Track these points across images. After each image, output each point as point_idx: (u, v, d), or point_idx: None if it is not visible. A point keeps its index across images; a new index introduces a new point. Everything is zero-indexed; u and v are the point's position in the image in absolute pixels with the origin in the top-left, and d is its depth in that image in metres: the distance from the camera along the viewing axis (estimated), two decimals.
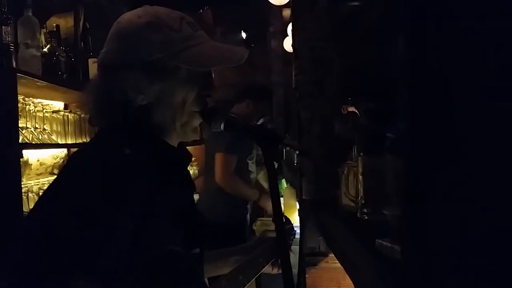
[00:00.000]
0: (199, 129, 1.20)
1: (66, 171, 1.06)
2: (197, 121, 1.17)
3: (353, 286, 1.81)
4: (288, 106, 4.00)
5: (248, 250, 1.48)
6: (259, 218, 3.21)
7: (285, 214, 1.68)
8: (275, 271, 1.47)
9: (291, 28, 4.50)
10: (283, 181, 4.40)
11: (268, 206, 3.03)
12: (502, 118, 0.58)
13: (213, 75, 1.26)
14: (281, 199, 3.72)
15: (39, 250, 0.86)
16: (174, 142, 1.18)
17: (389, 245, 1.05)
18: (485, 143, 0.59)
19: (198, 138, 1.21)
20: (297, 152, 1.21)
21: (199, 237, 1.23)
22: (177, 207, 1.12)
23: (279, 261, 1.09)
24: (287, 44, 4.83)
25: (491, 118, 0.58)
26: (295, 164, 3.52)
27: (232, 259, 1.46)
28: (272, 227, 2.54)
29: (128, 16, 1.13)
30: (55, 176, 1.08)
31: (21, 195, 1.90)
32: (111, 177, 0.97)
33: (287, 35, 4.67)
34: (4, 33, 1.98)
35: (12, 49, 2.01)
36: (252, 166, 3.18)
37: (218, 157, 2.86)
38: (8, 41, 1.98)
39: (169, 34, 1.09)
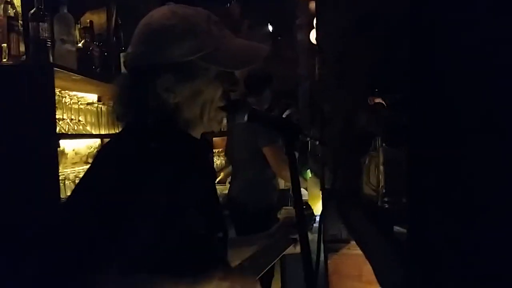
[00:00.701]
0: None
1: (98, 162, 1.12)
2: (222, 115, 1.22)
3: (372, 273, 1.87)
4: (313, 98, 4.02)
5: (271, 235, 1.55)
6: (284, 207, 3.27)
7: (307, 202, 1.74)
8: (299, 249, 1.53)
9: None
10: (308, 171, 4.44)
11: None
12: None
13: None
14: (306, 188, 3.77)
15: (76, 235, 0.92)
16: (198, 133, 1.23)
17: (406, 231, 1.10)
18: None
19: (220, 129, 1.27)
20: (317, 143, 1.25)
21: (222, 222, 1.29)
22: (201, 194, 1.16)
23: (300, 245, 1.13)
24: (313, 36, 4.85)
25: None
26: (318, 155, 3.57)
27: (255, 244, 1.52)
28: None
29: (156, 17, 1.15)
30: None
31: (59, 183, 2.00)
32: (140, 168, 1.02)
33: (313, 28, 4.69)
34: (41, 29, 2.08)
35: (49, 44, 2.11)
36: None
37: (268, 151, 2.90)
38: (45, 37, 2.09)
39: (199, 36, 1.12)
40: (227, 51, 1.15)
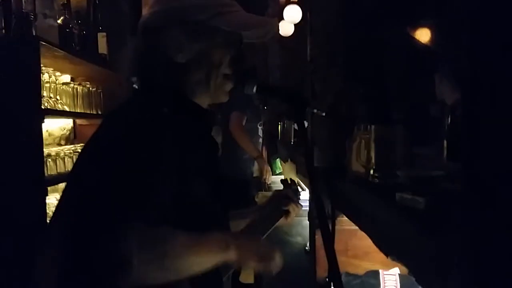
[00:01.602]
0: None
1: (105, 129, 1.11)
2: (229, 85, 1.24)
3: (358, 248, 1.95)
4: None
5: (263, 207, 1.60)
6: (260, 192, 3.33)
7: (291, 179, 1.79)
8: (289, 220, 1.58)
9: (286, 11, 4.60)
10: (278, 161, 4.52)
11: (262, 166, 3.38)
12: None
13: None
14: (282, 176, 3.84)
15: (85, 207, 0.92)
16: (205, 103, 1.25)
17: (411, 197, 1.17)
18: None
19: (227, 101, 1.29)
20: (323, 114, 1.30)
21: (223, 193, 1.33)
22: (206, 164, 1.20)
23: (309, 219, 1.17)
24: (282, 27, 4.91)
25: None
26: (292, 143, 3.64)
27: (248, 218, 1.56)
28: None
29: None
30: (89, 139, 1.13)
31: (43, 158, 1.96)
32: (148, 135, 1.03)
33: (283, 19, 4.75)
34: (25, 2, 2.02)
35: (32, 18, 2.05)
36: (260, 132, 3.50)
37: (234, 114, 3.23)
38: (29, 10, 2.03)
39: None
40: (235, 15, 1.19)
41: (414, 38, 2.64)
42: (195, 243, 0.98)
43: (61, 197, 1.08)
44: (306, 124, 1.21)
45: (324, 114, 1.30)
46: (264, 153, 4.79)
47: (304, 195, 2.86)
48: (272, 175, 4.34)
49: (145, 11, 1.23)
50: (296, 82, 3.84)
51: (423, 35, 2.78)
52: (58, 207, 1.09)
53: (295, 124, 1.17)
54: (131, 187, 0.95)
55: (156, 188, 0.99)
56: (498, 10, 0.68)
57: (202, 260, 0.98)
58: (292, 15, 4.53)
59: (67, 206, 1.03)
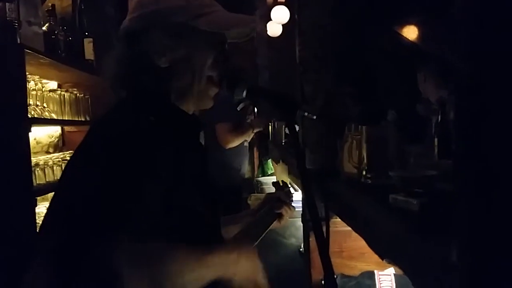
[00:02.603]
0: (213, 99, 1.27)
1: (92, 139, 1.09)
2: (214, 90, 1.23)
3: (353, 249, 1.94)
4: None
5: (256, 211, 1.60)
6: (252, 194, 3.31)
7: (283, 181, 1.79)
8: (283, 223, 1.59)
9: (273, 12, 4.59)
10: (269, 161, 4.50)
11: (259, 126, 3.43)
12: None
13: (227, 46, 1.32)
14: (274, 178, 3.83)
15: (72, 220, 0.90)
16: (189, 108, 1.23)
17: (404, 199, 1.17)
18: None
19: (211, 107, 1.28)
20: (314, 117, 1.29)
21: (214, 199, 1.31)
22: (194, 171, 1.18)
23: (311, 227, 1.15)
24: (270, 28, 4.90)
25: None
26: (283, 143, 3.63)
27: (241, 223, 1.55)
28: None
29: None
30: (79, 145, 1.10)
31: (31, 168, 1.93)
32: (134, 143, 1.01)
33: (271, 20, 4.74)
34: (8, 9, 1.99)
35: (16, 26, 2.02)
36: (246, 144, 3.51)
37: (219, 126, 3.20)
38: (13, 18, 2.00)
39: (190, 0, 1.16)
40: (216, 16, 1.18)
41: (402, 37, 2.65)
42: (193, 260, 0.97)
43: (49, 208, 1.06)
44: (297, 128, 1.20)
45: (314, 117, 1.28)
46: (256, 154, 4.78)
47: (297, 196, 2.85)
48: (264, 176, 4.33)
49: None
50: (285, 82, 3.83)
51: (411, 33, 2.79)
52: (45, 218, 1.06)
53: (286, 128, 1.16)
54: (118, 199, 0.92)
55: (144, 199, 0.96)
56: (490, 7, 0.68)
57: (197, 278, 0.96)
58: (280, 16, 4.52)
59: (54, 219, 1.01)
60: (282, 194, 1.67)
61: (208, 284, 0.98)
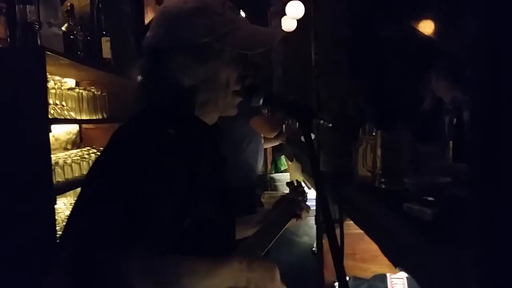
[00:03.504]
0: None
1: (114, 149, 1.11)
2: (238, 99, 1.25)
3: (366, 252, 1.96)
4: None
5: (272, 211, 1.62)
6: (266, 192, 3.34)
7: (297, 180, 1.81)
8: (299, 222, 1.61)
9: (288, 7, 4.58)
10: (282, 157, 4.52)
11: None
12: None
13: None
14: (287, 174, 3.85)
15: (99, 218, 0.94)
16: (213, 118, 1.26)
17: (418, 208, 1.18)
18: None
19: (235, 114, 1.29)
20: (330, 125, 1.31)
21: (230, 204, 1.33)
22: (213, 181, 1.21)
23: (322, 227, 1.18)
24: (285, 23, 4.90)
25: None
26: (301, 140, 3.65)
27: (257, 223, 1.58)
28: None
29: (174, 1, 1.19)
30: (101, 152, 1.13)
31: (51, 167, 1.98)
32: (152, 156, 1.04)
33: (285, 15, 4.74)
34: (29, 12, 2.03)
35: (37, 28, 2.06)
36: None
37: (256, 119, 3.11)
38: (33, 20, 2.04)
39: (214, 18, 1.15)
40: (240, 34, 1.18)
41: (416, 34, 2.64)
42: (205, 270, 0.99)
43: (70, 214, 1.10)
44: (313, 136, 1.22)
45: (330, 125, 1.30)
46: (269, 150, 4.81)
47: (311, 195, 2.87)
48: (277, 172, 4.36)
49: (148, 15, 1.24)
50: (299, 80, 3.84)
51: (426, 30, 2.78)
52: (66, 226, 1.10)
53: (302, 137, 1.18)
54: (136, 210, 0.95)
55: (161, 210, 0.99)
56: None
57: (213, 286, 1.00)
58: (295, 11, 4.52)
59: (74, 227, 1.04)
60: (296, 194, 1.70)
61: None
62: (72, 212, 1.09)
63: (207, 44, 1.15)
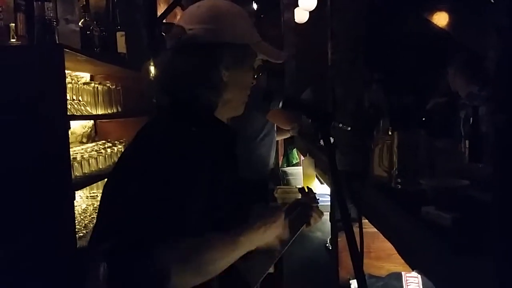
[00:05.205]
0: None
1: (142, 145, 1.17)
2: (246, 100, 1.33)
3: (381, 250, 1.97)
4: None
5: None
6: (278, 187, 3.35)
7: (308, 187, 1.83)
8: (309, 227, 1.66)
9: None
10: (294, 150, 4.53)
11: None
12: None
13: None
14: (300, 168, 3.86)
15: (121, 222, 1.01)
16: (224, 117, 1.30)
17: (436, 212, 1.19)
18: None
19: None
20: (349, 128, 1.32)
21: (245, 200, 1.38)
22: (229, 176, 1.26)
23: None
24: (298, 14, 4.88)
25: None
26: (313, 134, 3.65)
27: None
28: (292, 193, 2.70)
29: (221, 2, 1.27)
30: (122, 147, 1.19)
31: (70, 163, 2.01)
32: (177, 153, 1.10)
33: (298, 6, 4.71)
34: (47, 9, 2.05)
35: (55, 24, 2.08)
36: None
37: (272, 114, 2.96)
38: (51, 17, 2.06)
39: (252, 25, 1.28)
40: (264, 44, 1.30)
41: (433, 29, 2.63)
42: (230, 244, 1.10)
43: (101, 207, 1.16)
44: (331, 140, 1.23)
45: (349, 128, 1.31)
46: (280, 142, 4.81)
47: (325, 190, 2.88)
48: (289, 165, 4.36)
49: (160, 7, 1.29)
50: (312, 74, 3.83)
51: (442, 23, 2.76)
52: (99, 219, 1.17)
53: (321, 141, 1.19)
54: (160, 202, 1.02)
55: (183, 200, 1.06)
56: None
57: (239, 254, 1.12)
58: (307, 2, 4.50)
59: (105, 221, 1.11)
60: (309, 200, 1.72)
61: None
62: (102, 204, 1.15)
63: (247, 46, 1.24)
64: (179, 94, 1.21)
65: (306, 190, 1.81)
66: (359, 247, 1.24)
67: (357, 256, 1.11)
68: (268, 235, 1.21)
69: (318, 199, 1.80)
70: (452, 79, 2.55)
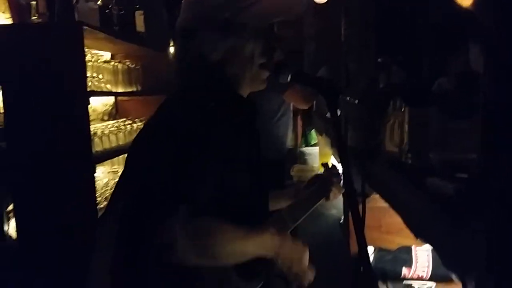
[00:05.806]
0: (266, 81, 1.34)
1: (163, 118, 1.22)
2: (265, 74, 1.30)
3: (392, 224, 1.99)
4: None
5: (306, 187, 1.67)
6: (295, 165, 3.38)
7: (330, 163, 1.84)
8: (328, 200, 1.66)
9: None
10: (313, 131, 4.53)
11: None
12: None
13: (275, 28, 1.37)
14: (317, 148, 3.88)
15: (136, 194, 1.06)
16: (245, 92, 1.31)
17: (441, 182, 1.21)
18: None
19: (264, 88, 1.34)
20: (356, 102, 1.33)
21: (264, 176, 1.40)
22: (249, 153, 1.27)
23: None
24: None
25: None
26: (326, 115, 3.65)
27: (287, 196, 1.64)
28: (308, 171, 2.70)
29: None
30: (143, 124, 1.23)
31: (90, 137, 2.08)
32: (195, 128, 1.12)
33: None
34: None
35: (74, 2, 2.13)
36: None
37: (289, 93, 2.88)
38: None
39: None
40: (260, 7, 1.24)
41: (454, 7, 2.58)
42: (241, 237, 1.10)
43: (118, 181, 1.21)
44: (339, 112, 1.25)
45: (357, 101, 1.33)
46: (299, 123, 4.81)
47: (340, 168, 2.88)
48: (307, 146, 4.37)
49: None
50: (331, 55, 3.81)
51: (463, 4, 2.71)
52: (118, 183, 1.21)
53: (328, 113, 1.21)
54: (179, 176, 1.05)
55: (202, 175, 1.08)
56: None
57: (245, 253, 1.10)
58: None
59: (121, 191, 1.16)
60: (331, 175, 1.73)
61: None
62: (124, 172, 1.20)
63: (226, 19, 1.22)
64: (187, 75, 1.26)
65: (330, 166, 1.83)
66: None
67: (359, 224, 1.13)
68: (283, 250, 1.16)
69: (341, 175, 1.82)
70: (472, 57, 2.51)
